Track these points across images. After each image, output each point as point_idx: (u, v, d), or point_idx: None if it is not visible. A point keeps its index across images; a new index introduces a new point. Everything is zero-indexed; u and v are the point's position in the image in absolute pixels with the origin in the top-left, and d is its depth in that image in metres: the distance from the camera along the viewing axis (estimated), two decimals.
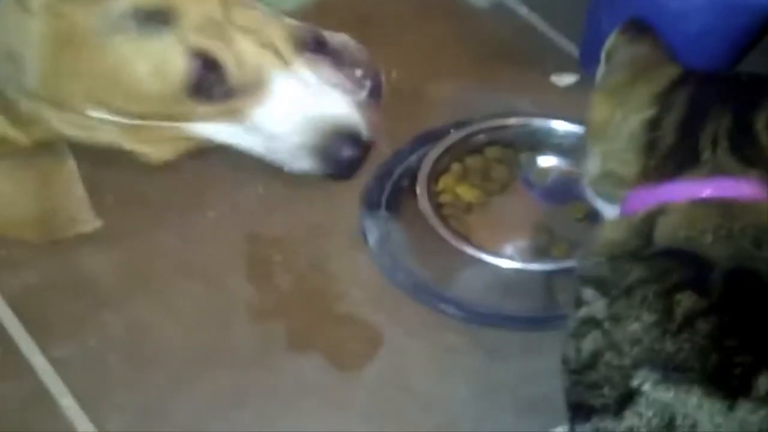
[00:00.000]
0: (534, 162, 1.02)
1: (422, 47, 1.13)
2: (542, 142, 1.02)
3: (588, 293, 0.73)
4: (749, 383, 0.65)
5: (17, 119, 0.92)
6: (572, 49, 1.14)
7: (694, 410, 0.65)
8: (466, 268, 0.92)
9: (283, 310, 0.91)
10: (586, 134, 0.82)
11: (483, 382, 0.86)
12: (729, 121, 0.75)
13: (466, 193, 0.99)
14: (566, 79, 1.11)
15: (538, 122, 1.03)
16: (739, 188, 0.73)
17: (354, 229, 0.97)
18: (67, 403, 0.84)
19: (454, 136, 1.01)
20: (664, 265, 0.70)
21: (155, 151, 0.95)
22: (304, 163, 0.95)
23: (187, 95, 0.90)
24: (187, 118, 0.92)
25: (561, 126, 1.02)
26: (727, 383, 0.65)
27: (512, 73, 1.11)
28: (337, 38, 1.01)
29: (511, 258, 0.93)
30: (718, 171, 0.74)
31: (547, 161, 1.02)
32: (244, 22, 0.94)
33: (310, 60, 0.97)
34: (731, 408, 0.64)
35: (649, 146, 0.76)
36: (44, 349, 0.87)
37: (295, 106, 0.94)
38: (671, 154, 0.75)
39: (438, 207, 0.96)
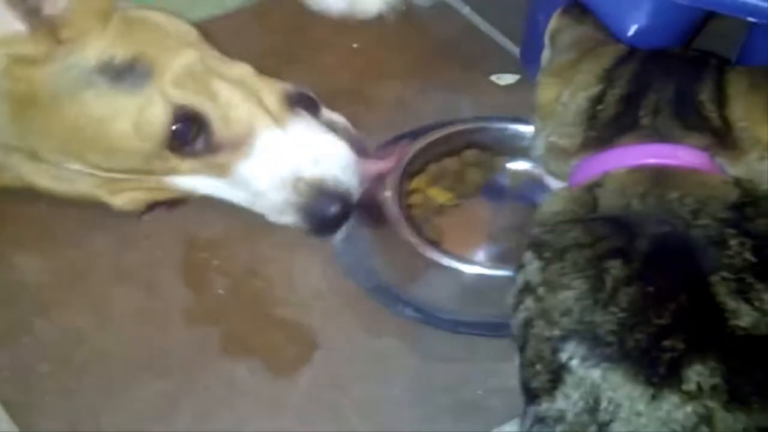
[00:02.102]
0: (506, 166, 1.01)
1: (365, 48, 1.14)
2: (516, 147, 1.00)
3: (527, 256, 0.72)
4: (678, 373, 0.62)
5: None
6: (513, 49, 1.15)
7: (616, 392, 0.63)
8: (429, 272, 0.91)
9: (219, 314, 0.91)
10: (535, 115, 0.82)
11: (421, 384, 0.86)
12: (671, 92, 0.76)
13: (438, 195, 0.98)
14: (507, 79, 1.11)
15: (515, 126, 1.01)
16: (678, 154, 0.73)
17: (288, 232, 0.95)
18: None
19: (429, 137, 1.00)
20: (601, 231, 0.69)
21: (132, 203, 0.93)
22: (288, 219, 0.93)
23: (169, 150, 0.88)
24: (169, 173, 0.90)
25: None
26: (652, 368, 0.62)
27: (454, 73, 1.12)
28: (327, 115, 0.99)
29: (476, 263, 0.91)
30: (657, 136, 0.74)
31: (519, 165, 1.01)
32: (232, 75, 0.92)
33: (299, 117, 0.95)
34: (654, 398, 0.62)
35: (592, 118, 0.77)
36: None
37: (281, 163, 0.91)
38: (611, 123, 0.76)
39: (407, 208, 0.95)
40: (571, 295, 0.67)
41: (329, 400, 0.85)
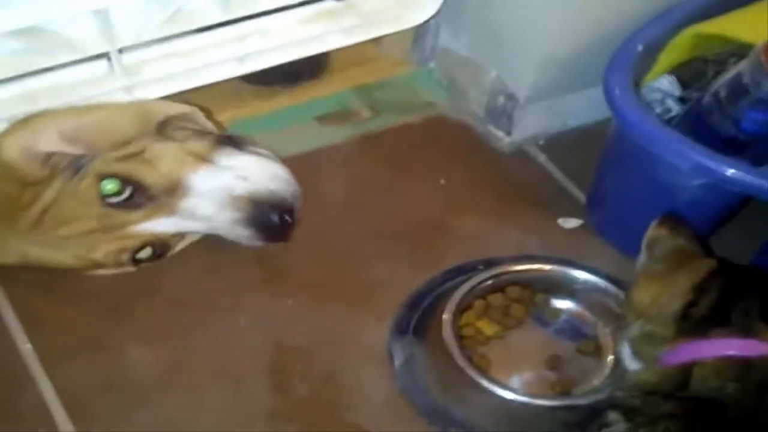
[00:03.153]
0: (548, 302, 1.12)
1: (449, 186, 1.25)
2: (558, 286, 1.12)
3: (612, 416, 0.83)
4: None
5: None
6: (580, 196, 1.25)
7: None
8: (477, 397, 1.00)
9: (298, 415, 1.01)
10: (629, 307, 0.93)
11: None
12: (758, 304, 0.86)
13: (487, 327, 1.08)
14: (571, 223, 1.22)
15: (556, 268, 1.12)
16: (762, 349, 0.83)
17: (372, 346, 1.07)
18: None
19: (479, 276, 1.10)
20: (693, 406, 0.80)
21: (110, 255, 1.06)
22: (242, 234, 1.08)
23: (111, 208, 1.03)
24: (126, 224, 1.05)
25: (577, 273, 1.11)
26: None
27: (526, 214, 1.22)
28: (253, 148, 1.13)
29: (520, 391, 1.01)
30: (744, 333, 0.84)
31: (560, 303, 1.12)
32: (168, 137, 1.08)
33: (226, 151, 1.09)
34: None
35: (686, 317, 0.87)
36: None
37: (214, 189, 1.06)
38: (704, 320, 0.86)
39: (459, 338, 1.04)
40: None
41: None
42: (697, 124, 1.05)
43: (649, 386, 0.84)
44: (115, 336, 1.06)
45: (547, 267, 1.12)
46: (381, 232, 1.19)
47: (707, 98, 1.03)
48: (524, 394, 1.00)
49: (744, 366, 0.82)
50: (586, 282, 1.10)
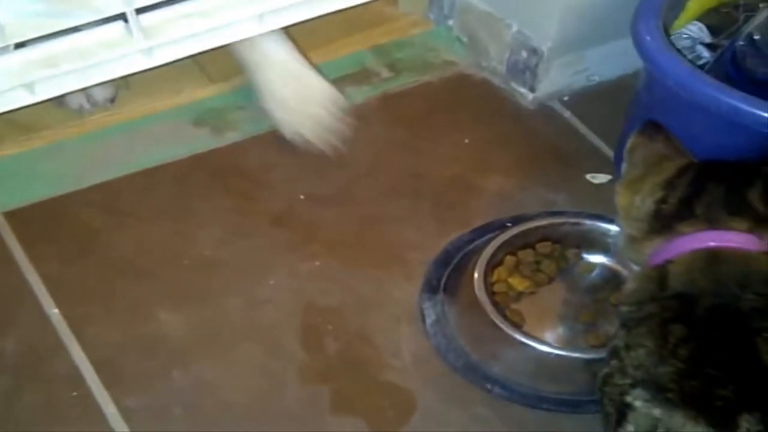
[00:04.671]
0: (580, 257, 1.10)
1: (473, 145, 1.24)
2: (589, 240, 1.11)
3: (618, 330, 0.84)
4: (733, 420, 0.73)
5: None
6: (608, 151, 1.24)
7: (678, 428, 0.74)
8: (513, 352, 1.00)
9: (330, 374, 1.00)
10: (618, 217, 0.94)
11: None
12: (722, 192, 0.87)
13: (518, 283, 1.07)
14: (600, 178, 1.20)
15: (588, 222, 1.11)
16: (726, 238, 0.84)
17: (402, 305, 1.06)
18: None
19: (509, 232, 1.09)
20: (669, 304, 0.81)
21: None
22: None
23: None
24: None
25: (609, 227, 1.09)
26: (709, 413, 0.73)
27: (553, 170, 1.21)
28: None
29: (552, 344, 1.00)
30: (707, 223, 0.85)
31: (592, 257, 1.11)
32: None
33: None
34: None
35: (657, 213, 0.88)
36: (117, 400, 0.97)
37: None
38: (671, 216, 0.87)
39: (491, 294, 1.04)
40: (642, 352, 0.79)
41: None
42: (731, 69, 1.03)
43: (638, 294, 0.85)
44: (144, 300, 1.05)
45: (577, 222, 1.11)
46: (405, 192, 1.18)
47: (741, 42, 1.01)
48: (560, 348, 1.00)
49: (711, 258, 0.83)
50: (618, 235, 1.07)
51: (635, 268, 0.93)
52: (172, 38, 1.11)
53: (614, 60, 1.23)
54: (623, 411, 0.77)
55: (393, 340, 1.04)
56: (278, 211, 1.15)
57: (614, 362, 0.81)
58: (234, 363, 1.01)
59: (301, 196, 1.17)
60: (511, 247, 1.09)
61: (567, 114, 1.29)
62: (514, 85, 1.29)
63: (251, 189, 1.17)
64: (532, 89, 1.27)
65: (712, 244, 0.84)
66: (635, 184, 0.92)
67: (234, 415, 0.97)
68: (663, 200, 0.88)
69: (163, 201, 1.15)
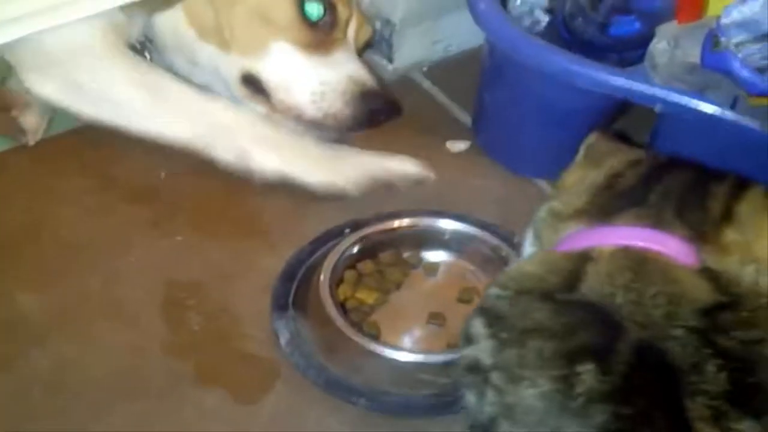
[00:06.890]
0: (421, 258, 1.10)
1: None
2: (426, 240, 1.10)
3: (477, 324, 0.68)
4: None
5: None
6: (467, 119, 1.27)
7: None
8: (372, 363, 0.98)
9: (193, 348, 1.01)
10: (552, 188, 0.88)
11: None
12: (688, 181, 0.76)
13: (367, 296, 1.05)
14: (459, 146, 1.23)
15: (424, 221, 1.10)
16: (660, 241, 0.71)
17: (265, 275, 1.06)
18: None
19: (346, 241, 1.06)
20: (575, 320, 0.64)
21: None
22: None
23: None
24: None
25: (443, 224, 1.10)
26: None
27: (413, 140, 1.23)
28: None
29: (413, 350, 0.99)
30: (652, 219, 0.73)
31: (434, 256, 1.10)
32: None
33: None
34: None
35: (605, 188, 0.77)
36: None
37: None
38: (622, 195, 0.76)
39: (345, 313, 1.01)
40: (533, 393, 0.63)
41: (288, 426, 0.95)
42: (563, 31, 1.06)
43: (530, 280, 0.69)
44: (1, 280, 1.04)
45: (412, 222, 1.10)
46: None
47: (568, 4, 1.04)
48: (417, 352, 0.98)
49: (636, 262, 0.69)
50: (454, 232, 1.10)
51: (529, 250, 0.81)
52: None
53: (471, 30, 1.24)
54: None
55: (256, 311, 1.04)
56: (139, 188, 1.15)
57: (493, 396, 0.64)
58: (95, 341, 1.00)
59: (162, 174, 1.17)
60: (350, 260, 1.07)
61: (427, 84, 1.31)
62: (373, 56, 1.31)
63: (110, 167, 1.17)
64: (390, 59, 1.30)
65: (640, 243, 0.71)
66: (591, 164, 0.82)
67: (97, 392, 0.96)
68: (619, 174, 0.77)
69: (18, 180, 1.14)
